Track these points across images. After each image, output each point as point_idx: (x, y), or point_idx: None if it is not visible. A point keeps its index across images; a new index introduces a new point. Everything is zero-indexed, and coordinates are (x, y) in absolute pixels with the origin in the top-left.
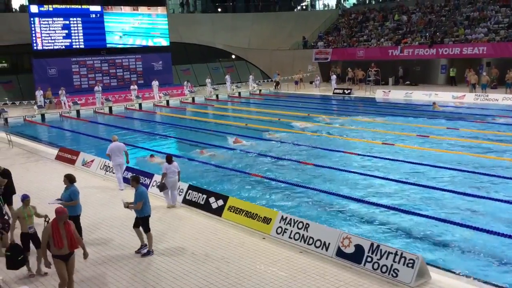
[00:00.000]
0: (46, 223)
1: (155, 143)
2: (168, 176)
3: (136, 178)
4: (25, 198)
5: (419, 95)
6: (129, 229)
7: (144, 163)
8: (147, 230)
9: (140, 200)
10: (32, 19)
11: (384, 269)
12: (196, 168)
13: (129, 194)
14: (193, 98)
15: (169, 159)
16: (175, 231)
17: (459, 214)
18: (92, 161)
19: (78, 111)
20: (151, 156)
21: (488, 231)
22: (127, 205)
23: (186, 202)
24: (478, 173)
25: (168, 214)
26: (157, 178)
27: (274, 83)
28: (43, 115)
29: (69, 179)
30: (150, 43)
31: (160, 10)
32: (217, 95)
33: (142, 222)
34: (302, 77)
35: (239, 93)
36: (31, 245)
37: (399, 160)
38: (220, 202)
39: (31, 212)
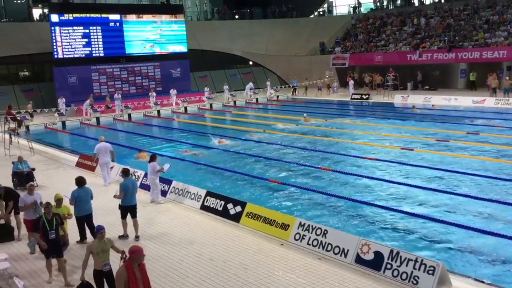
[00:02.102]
0: (122, 261)
1: (171, 149)
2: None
3: (124, 170)
4: (100, 230)
5: (439, 100)
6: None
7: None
8: (128, 216)
9: (121, 191)
10: (52, 28)
11: (404, 276)
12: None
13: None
14: (210, 105)
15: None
16: (193, 237)
17: (481, 220)
18: (111, 168)
19: (98, 118)
20: (140, 151)
21: (510, 238)
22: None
23: (204, 208)
24: (500, 178)
25: (187, 220)
26: (175, 184)
27: (292, 89)
28: (63, 123)
29: (76, 182)
30: (168, 50)
31: (179, 17)
32: (234, 102)
33: (121, 210)
34: (324, 82)
35: (257, 99)
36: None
37: (419, 166)
38: (238, 208)
39: (107, 247)
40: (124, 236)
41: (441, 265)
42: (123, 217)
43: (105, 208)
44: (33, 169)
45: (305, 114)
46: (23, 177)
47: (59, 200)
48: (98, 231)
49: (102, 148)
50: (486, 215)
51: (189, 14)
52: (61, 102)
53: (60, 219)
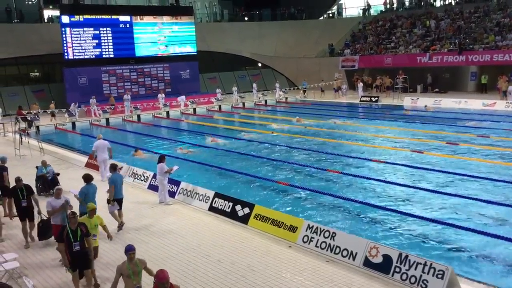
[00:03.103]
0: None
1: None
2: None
3: (112, 166)
4: (129, 251)
5: (449, 103)
6: (161, 237)
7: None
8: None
9: (111, 185)
10: (63, 29)
11: (412, 279)
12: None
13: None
14: (219, 106)
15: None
16: (201, 238)
17: (492, 224)
18: (120, 168)
19: (107, 119)
20: (136, 150)
21: None
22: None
23: (213, 209)
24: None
25: (195, 222)
26: (184, 185)
27: (302, 91)
28: (73, 123)
29: (84, 179)
30: (177, 52)
31: (188, 19)
32: (243, 103)
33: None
34: (340, 85)
35: (266, 101)
36: None
37: (428, 169)
38: (246, 210)
39: (139, 268)
40: (119, 227)
41: (451, 269)
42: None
43: (104, 203)
44: (58, 174)
45: (297, 116)
46: (48, 182)
47: (92, 211)
48: (127, 252)
49: (100, 145)
50: (497, 219)
51: (199, 15)
52: (74, 107)
53: (86, 230)
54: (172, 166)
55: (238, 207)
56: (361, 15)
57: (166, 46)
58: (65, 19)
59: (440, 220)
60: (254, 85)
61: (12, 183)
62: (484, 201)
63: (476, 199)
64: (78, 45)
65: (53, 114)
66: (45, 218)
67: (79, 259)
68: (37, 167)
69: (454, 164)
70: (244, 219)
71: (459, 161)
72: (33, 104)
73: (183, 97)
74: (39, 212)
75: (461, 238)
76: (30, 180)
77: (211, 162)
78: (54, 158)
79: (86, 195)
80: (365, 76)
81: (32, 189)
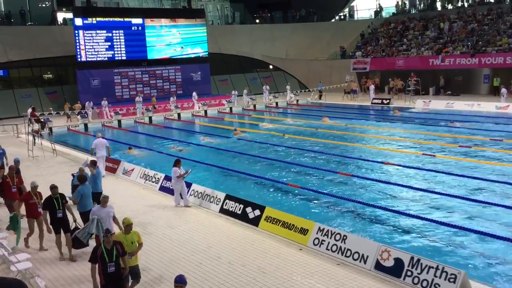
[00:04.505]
0: None
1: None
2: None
3: (93, 162)
4: (179, 282)
5: (461, 105)
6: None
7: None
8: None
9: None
10: (76, 31)
11: (424, 283)
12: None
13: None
14: (230, 108)
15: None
16: (212, 240)
17: (505, 228)
18: (132, 170)
19: (119, 121)
20: (129, 148)
21: None
22: None
23: (223, 211)
24: None
25: (205, 223)
26: (195, 187)
27: (318, 93)
28: (86, 125)
29: (79, 179)
30: (189, 54)
31: (200, 21)
32: (254, 105)
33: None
34: (352, 87)
35: (276, 103)
36: None
37: (440, 172)
38: (257, 212)
39: None
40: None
41: (463, 273)
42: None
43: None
44: None
45: (288, 118)
46: None
47: (128, 226)
48: (177, 283)
49: (99, 143)
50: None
51: (210, 18)
52: (89, 105)
53: (122, 249)
54: (187, 170)
55: (249, 209)
56: (373, 17)
57: (178, 48)
58: (78, 21)
59: (452, 224)
60: (264, 87)
61: (26, 184)
62: (497, 205)
63: (488, 203)
64: (91, 47)
65: (68, 116)
66: (80, 227)
67: (113, 282)
68: (73, 175)
69: (467, 167)
70: (255, 221)
71: (473, 164)
72: (66, 104)
73: (195, 94)
74: (75, 220)
75: (474, 242)
76: (45, 181)
77: (220, 164)
78: (66, 160)
79: (82, 196)
80: (371, 79)
81: (66, 197)
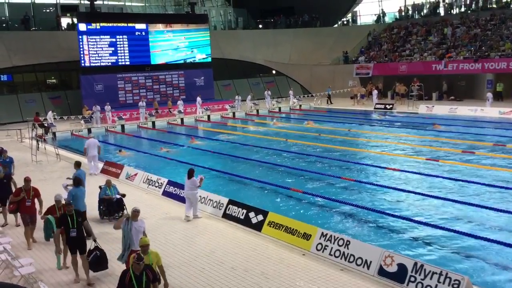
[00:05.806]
0: None
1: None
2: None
3: (77, 163)
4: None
5: (464, 111)
6: (174, 238)
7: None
8: None
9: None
10: (80, 37)
11: None
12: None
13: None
14: (233, 113)
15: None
16: (215, 245)
17: (508, 234)
18: (135, 174)
19: (122, 126)
20: (120, 151)
21: None
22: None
23: (226, 216)
24: None
25: (208, 228)
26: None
27: (327, 98)
28: (89, 129)
29: (73, 181)
30: (192, 59)
31: (203, 26)
32: (257, 110)
33: None
34: (357, 92)
35: (279, 108)
36: None
37: (443, 177)
38: (260, 217)
39: None
40: None
41: (467, 278)
42: None
43: (92, 201)
44: (124, 195)
45: (274, 120)
46: (113, 205)
47: (144, 246)
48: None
49: (92, 143)
50: None
51: (213, 23)
52: (96, 109)
53: (153, 274)
54: (196, 178)
55: (251, 214)
56: (376, 22)
57: (181, 53)
58: (82, 27)
59: (456, 230)
60: (266, 92)
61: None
62: (501, 210)
63: (492, 209)
64: (95, 52)
65: (88, 119)
66: (100, 247)
67: None
68: (100, 187)
69: (471, 173)
70: (258, 226)
71: (476, 170)
72: (84, 108)
73: (199, 99)
74: (95, 240)
75: (478, 248)
76: (49, 185)
77: (222, 168)
78: (70, 164)
79: (74, 197)
80: (373, 84)
81: (84, 215)
